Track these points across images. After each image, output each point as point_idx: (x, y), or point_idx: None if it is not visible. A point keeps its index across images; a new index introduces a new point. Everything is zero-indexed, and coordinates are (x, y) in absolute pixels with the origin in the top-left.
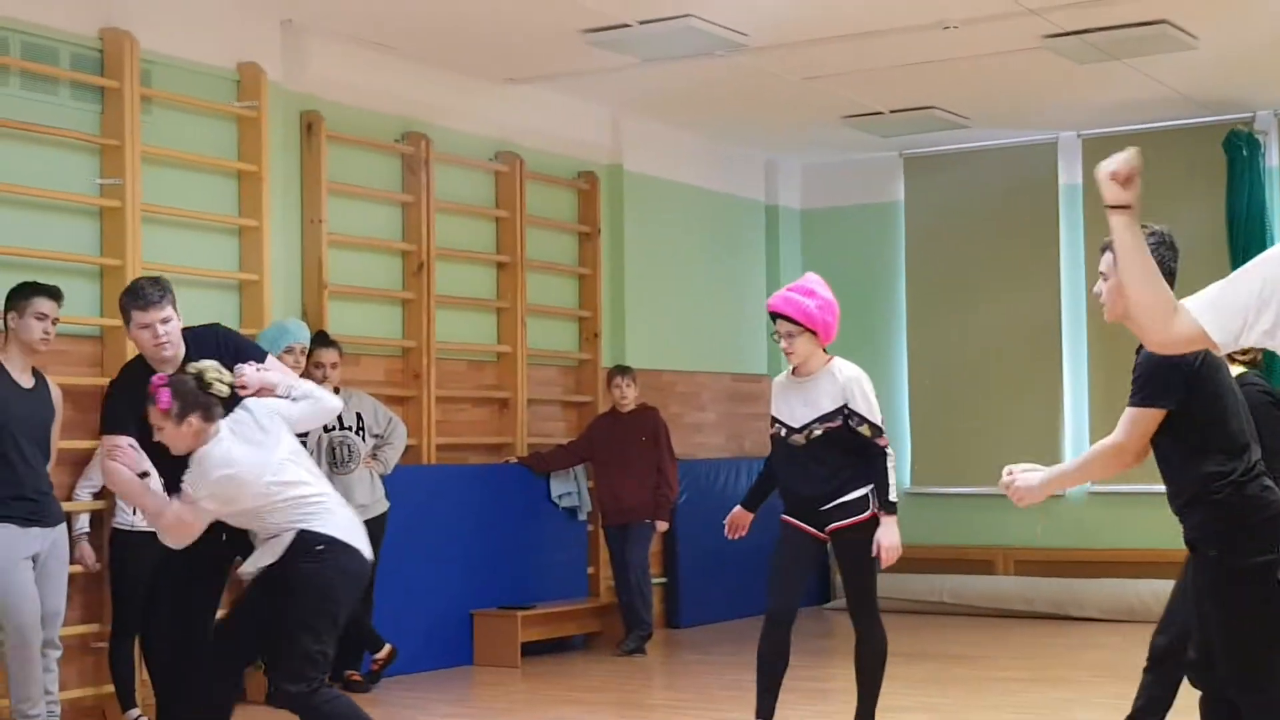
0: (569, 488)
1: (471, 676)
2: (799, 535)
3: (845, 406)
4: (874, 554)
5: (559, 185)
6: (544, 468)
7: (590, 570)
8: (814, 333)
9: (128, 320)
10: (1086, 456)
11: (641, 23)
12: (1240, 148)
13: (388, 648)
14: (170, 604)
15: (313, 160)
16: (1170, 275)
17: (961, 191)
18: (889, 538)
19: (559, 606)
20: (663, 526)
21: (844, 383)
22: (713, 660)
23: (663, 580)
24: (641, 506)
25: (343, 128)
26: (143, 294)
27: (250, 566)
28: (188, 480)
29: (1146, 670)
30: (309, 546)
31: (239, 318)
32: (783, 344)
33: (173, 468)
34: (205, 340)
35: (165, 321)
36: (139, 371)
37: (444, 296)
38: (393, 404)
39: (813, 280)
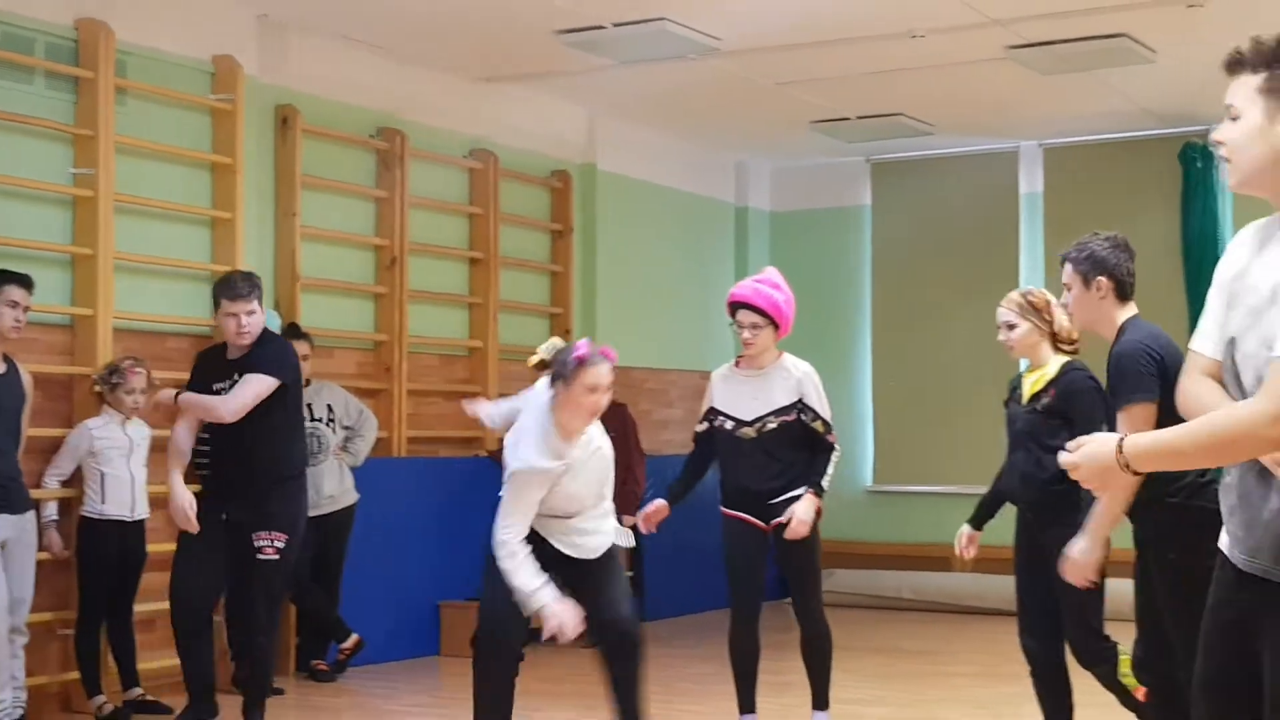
0: None
1: (438, 667)
2: (746, 529)
3: (800, 401)
4: (784, 520)
5: (533, 183)
6: None
7: None
8: (776, 326)
9: (217, 306)
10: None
11: (616, 25)
12: (1195, 160)
13: (354, 638)
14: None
15: (287, 154)
16: (1129, 276)
17: (926, 197)
18: (804, 511)
19: None
20: (630, 522)
21: (799, 377)
22: (676, 653)
23: (629, 574)
24: None
25: (318, 122)
26: (234, 287)
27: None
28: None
29: (1034, 677)
30: None
31: (210, 309)
32: (745, 334)
33: (230, 443)
34: (264, 342)
35: (250, 314)
36: (215, 354)
37: (416, 291)
38: (364, 397)
39: (775, 274)
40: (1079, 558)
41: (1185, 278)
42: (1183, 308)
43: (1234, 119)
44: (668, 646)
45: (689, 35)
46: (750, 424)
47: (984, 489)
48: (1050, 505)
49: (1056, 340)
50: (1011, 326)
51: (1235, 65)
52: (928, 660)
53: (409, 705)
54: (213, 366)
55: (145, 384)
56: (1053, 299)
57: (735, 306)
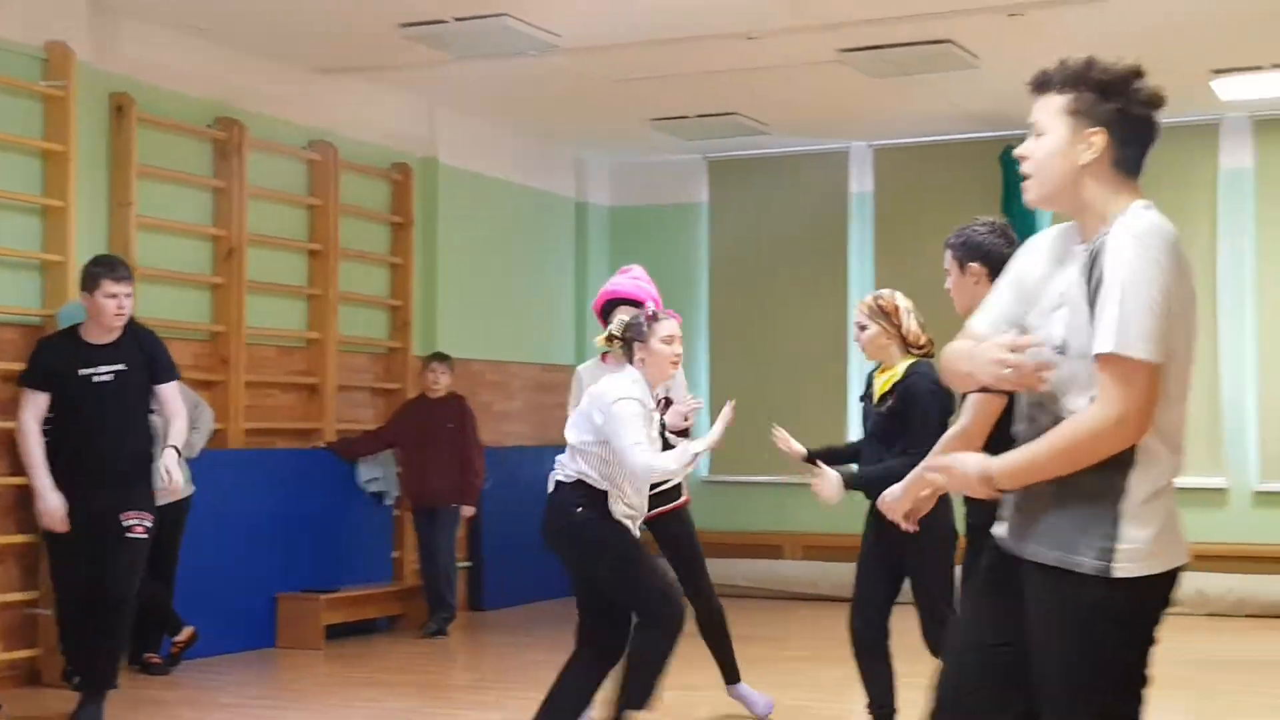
0: (376, 473)
1: (274, 659)
2: None
3: (666, 397)
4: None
5: (373, 175)
6: (351, 453)
7: (395, 554)
8: None
9: (95, 286)
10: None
11: (457, 19)
12: (1014, 163)
13: (188, 630)
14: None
15: (122, 142)
16: (1003, 262)
17: (761, 195)
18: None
19: (363, 590)
20: (469, 511)
21: None
22: (515, 642)
23: (467, 564)
24: (448, 491)
25: (154, 110)
26: (116, 268)
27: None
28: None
29: (858, 659)
30: None
31: (41, 299)
32: None
33: (97, 432)
34: (140, 333)
35: (128, 296)
36: (68, 340)
37: (255, 282)
38: (201, 388)
39: (642, 270)
40: (888, 499)
41: None
42: None
43: (1038, 136)
44: (506, 635)
45: (530, 32)
46: None
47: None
48: None
49: (906, 343)
50: (863, 328)
51: (1042, 85)
52: (764, 645)
53: (244, 698)
54: (75, 353)
55: None
56: (903, 304)
57: (616, 303)
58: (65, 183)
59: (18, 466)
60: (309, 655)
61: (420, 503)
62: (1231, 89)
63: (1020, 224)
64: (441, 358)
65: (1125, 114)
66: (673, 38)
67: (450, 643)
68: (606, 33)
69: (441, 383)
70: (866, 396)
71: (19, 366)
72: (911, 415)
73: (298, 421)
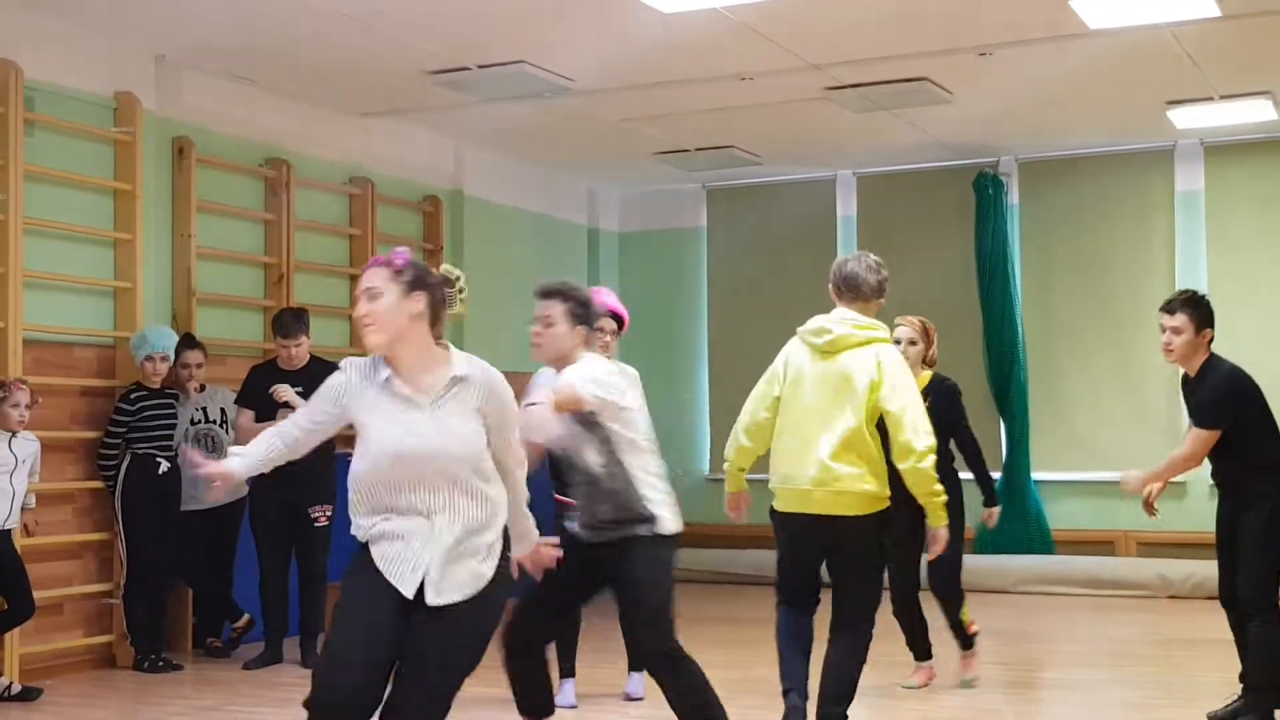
0: None
1: None
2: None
3: None
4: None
5: (406, 207)
6: None
7: None
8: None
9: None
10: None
11: (480, 66)
12: (987, 188)
13: (246, 617)
14: None
15: (183, 181)
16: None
17: (755, 219)
18: None
19: None
20: None
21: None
22: None
23: None
24: None
25: (211, 152)
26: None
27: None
28: None
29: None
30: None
31: (114, 321)
32: (609, 339)
33: None
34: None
35: (298, 345)
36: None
37: (303, 304)
38: None
39: (606, 290)
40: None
41: (979, 292)
42: (978, 320)
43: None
44: None
45: (545, 76)
46: None
47: None
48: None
49: (924, 360)
50: (913, 343)
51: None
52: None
53: (300, 677)
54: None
55: (30, 399)
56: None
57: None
58: (133, 218)
59: (92, 472)
60: None
61: None
62: (1185, 118)
63: (993, 244)
64: None
65: None
66: (674, 79)
67: None
68: (614, 76)
69: None
70: None
71: (93, 382)
72: (951, 414)
73: (347, 429)
